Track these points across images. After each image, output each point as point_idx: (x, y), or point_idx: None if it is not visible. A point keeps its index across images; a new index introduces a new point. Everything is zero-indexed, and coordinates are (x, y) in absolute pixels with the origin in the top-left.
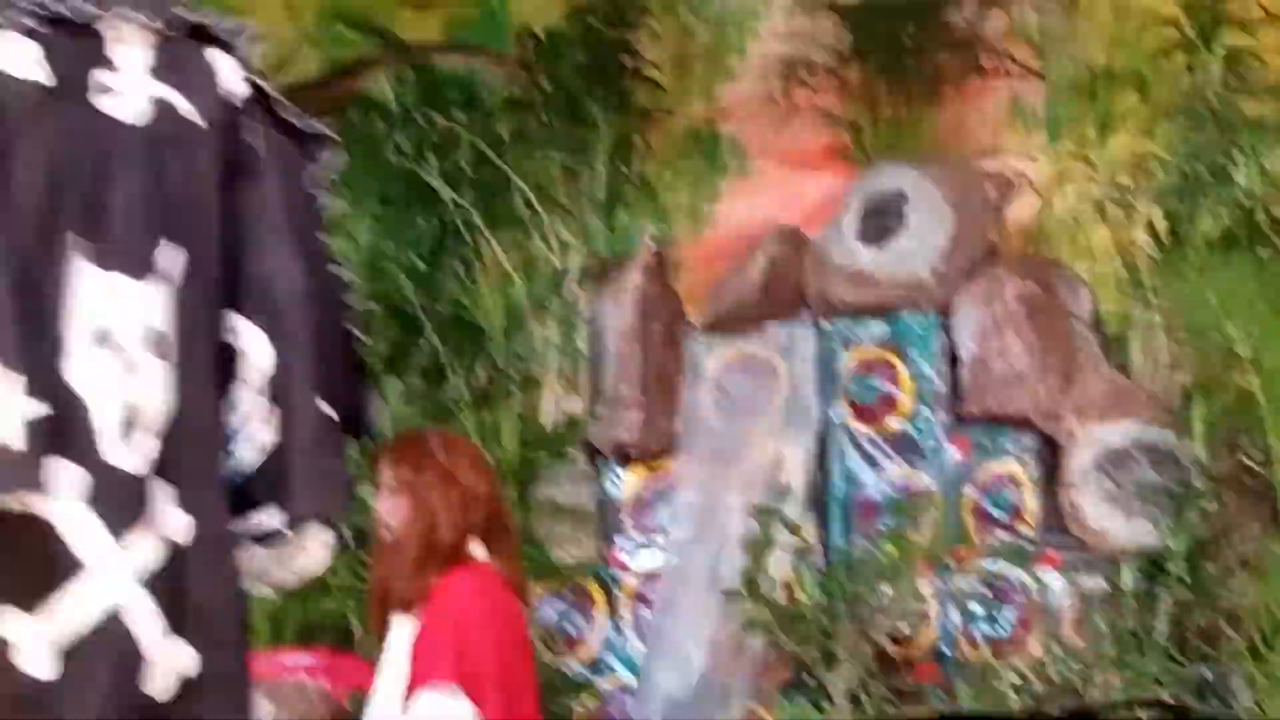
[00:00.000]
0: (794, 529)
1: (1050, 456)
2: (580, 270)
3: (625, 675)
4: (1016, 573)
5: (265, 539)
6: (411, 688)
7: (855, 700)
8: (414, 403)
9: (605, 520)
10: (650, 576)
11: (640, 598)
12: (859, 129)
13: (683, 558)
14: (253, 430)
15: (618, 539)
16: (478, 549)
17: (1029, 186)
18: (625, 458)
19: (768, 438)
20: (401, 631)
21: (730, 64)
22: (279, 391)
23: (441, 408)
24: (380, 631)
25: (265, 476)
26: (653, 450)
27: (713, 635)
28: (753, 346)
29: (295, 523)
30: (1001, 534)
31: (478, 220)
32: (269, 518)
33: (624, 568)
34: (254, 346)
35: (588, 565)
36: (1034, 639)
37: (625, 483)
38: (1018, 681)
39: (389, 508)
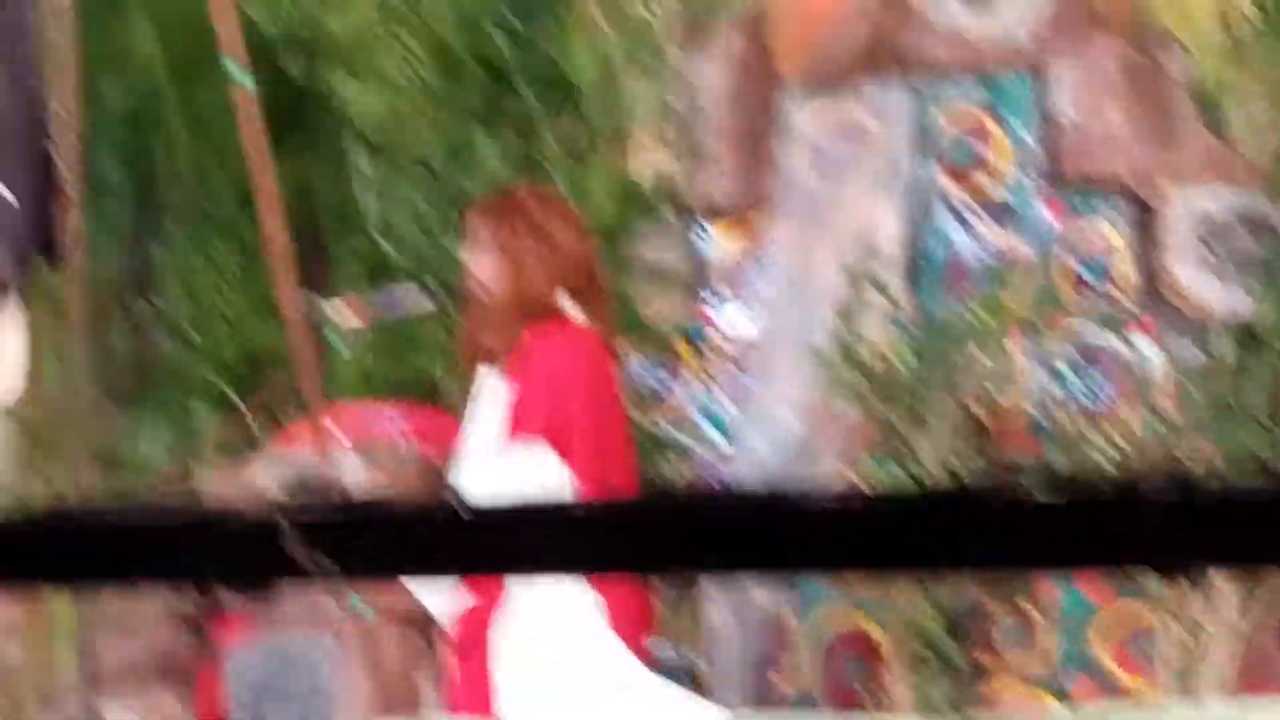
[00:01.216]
0: (886, 290)
1: (1147, 223)
2: (674, 26)
3: (715, 436)
4: (1109, 338)
5: None
6: (503, 442)
7: (948, 470)
8: (506, 159)
9: (696, 279)
10: (742, 337)
11: (731, 359)
12: None
13: (775, 319)
14: None
15: (709, 298)
16: (569, 305)
17: None
18: (716, 215)
19: (861, 199)
20: (488, 383)
21: None
22: None
23: (534, 164)
24: (469, 386)
25: None
26: (744, 208)
27: (805, 398)
28: (847, 107)
29: None
30: (1095, 299)
31: None
32: None
33: (715, 327)
34: None
35: (678, 325)
36: (1128, 407)
37: (717, 242)
38: (1111, 451)
39: (480, 263)
